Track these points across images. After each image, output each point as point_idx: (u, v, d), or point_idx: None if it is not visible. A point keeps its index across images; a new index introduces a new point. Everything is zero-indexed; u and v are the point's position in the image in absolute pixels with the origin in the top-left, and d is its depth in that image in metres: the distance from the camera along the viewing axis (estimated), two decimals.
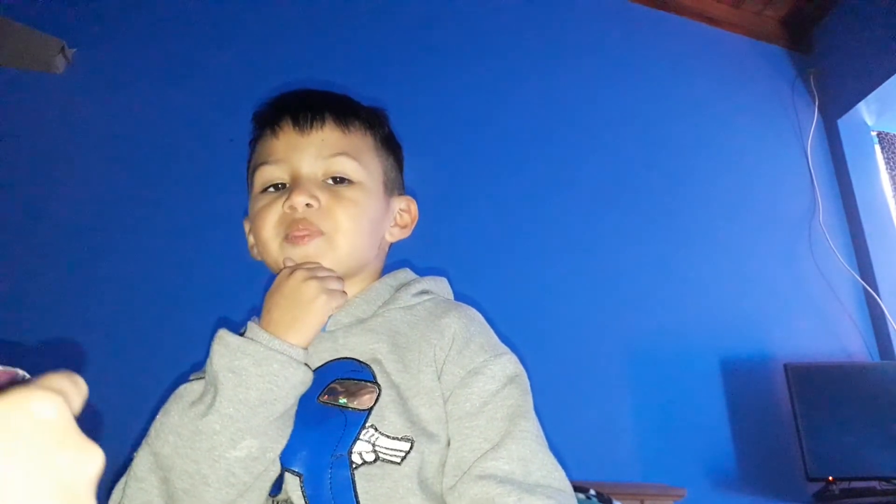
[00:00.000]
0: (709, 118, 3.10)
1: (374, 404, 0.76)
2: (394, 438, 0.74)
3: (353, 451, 0.73)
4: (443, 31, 2.80)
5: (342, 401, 0.78)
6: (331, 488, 0.72)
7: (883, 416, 2.36)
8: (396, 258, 1.01)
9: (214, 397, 0.72)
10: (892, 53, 2.96)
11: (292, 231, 0.83)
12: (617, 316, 2.48)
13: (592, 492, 1.64)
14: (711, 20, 3.38)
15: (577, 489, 1.70)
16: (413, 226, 1.00)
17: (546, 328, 2.33)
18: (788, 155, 3.16)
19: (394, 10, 2.74)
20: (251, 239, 0.93)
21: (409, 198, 1.00)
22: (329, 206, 0.84)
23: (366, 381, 0.79)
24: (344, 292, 0.84)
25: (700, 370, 2.50)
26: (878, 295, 2.81)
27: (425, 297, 0.90)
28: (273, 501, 0.75)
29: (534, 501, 0.69)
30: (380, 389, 0.78)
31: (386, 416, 0.75)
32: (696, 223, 2.81)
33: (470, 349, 0.82)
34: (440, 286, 0.96)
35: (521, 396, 0.80)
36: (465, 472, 0.73)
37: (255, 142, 0.95)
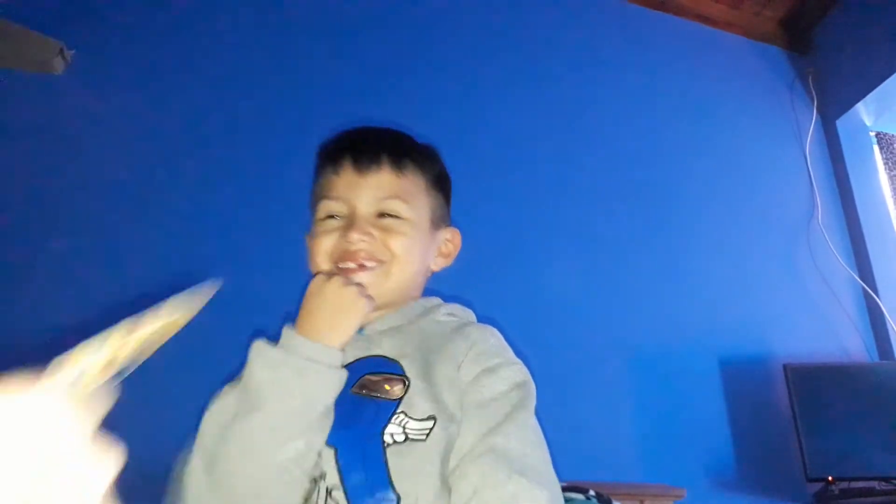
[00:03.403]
0: (707, 119, 3.11)
1: (405, 395, 0.84)
2: (420, 420, 0.81)
3: (385, 432, 0.80)
4: (440, 31, 2.80)
5: (374, 392, 0.85)
6: (363, 461, 0.79)
7: (882, 416, 2.36)
8: None
9: (259, 408, 0.78)
10: (891, 54, 2.96)
11: (344, 262, 0.94)
12: (616, 316, 2.48)
13: (592, 492, 1.64)
14: (710, 21, 3.38)
15: (576, 489, 1.70)
16: (455, 254, 1.11)
17: (546, 329, 2.33)
18: (787, 155, 3.17)
19: (392, 9, 2.74)
20: (310, 256, 1.03)
21: (453, 229, 1.10)
22: (382, 239, 0.95)
23: (395, 374, 0.86)
24: (370, 296, 0.92)
25: (699, 370, 2.50)
26: (876, 295, 2.81)
27: (453, 317, 1.01)
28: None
29: (523, 483, 0.74)
30: (409, 381, 0.85)
31: (415, 403, 0.82)
32: (695, 224, 2.81)
33: (486, 353, 0.90)
34: (466, 312, 1.06)
35: (525, 398, 0.87)
36: (465, 454, 0.79)
37: (318, 172, 1.04)
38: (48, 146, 2.17)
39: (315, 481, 0.80)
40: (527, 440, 0.81)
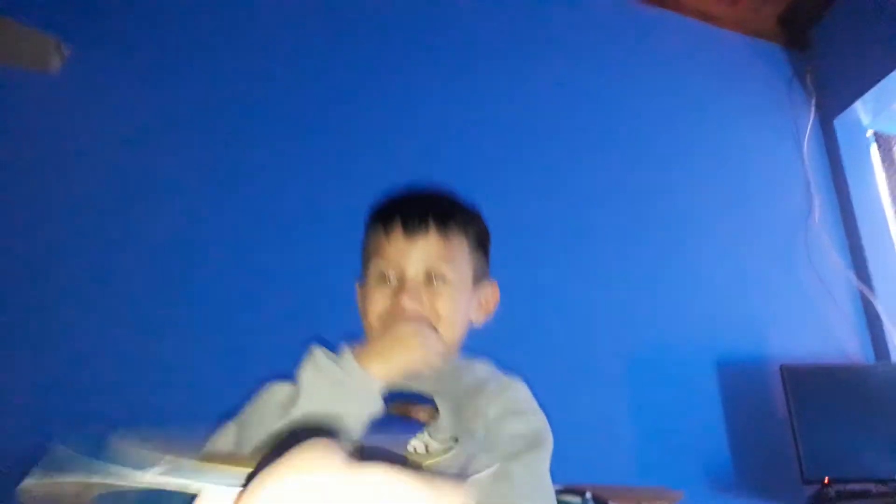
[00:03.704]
0: (705, 116, 3.10)
1: (433, 420, 0.90)
2: (443, 440, 0.87)
3: (411, 443, 0.86)
4: (439, 31, 2.79)
5: (404, 412, 0.92)
6: None
7: (879, 418, 2.37)
8: None
9: (296, 402, 0.83)
10: (889, 52, 2.96)
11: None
12: (613, 317, 2.48)
13: (589, 495, 1.64)
14: (708, 17, 3.37)
15: (573, 492, 1.70)
16: (495, 308, 1.17)
17: (542, 330, 2.33)
18: (784, 154, 3.17)
19: (391, 9, 2.72)
20: (361, 306, 1.11)
21: (493, 283, 1.17)
22: (430, 302, 1.03)
23: (427, 404, 0.94)
24: (442, 355, 0.96)
25: (696, 372, 2.50)
26: (873, 296, 2.82)
27: (486, 370, 1.08)
28: None
29: None
30: (438, 412, 0.92)
31: (441, 428, 0.89)
32: (692, 223, 2.80)
33: (515, 400, 0.99)
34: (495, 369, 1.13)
35: (541, 445, 0.94)
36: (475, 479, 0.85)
37: (370, 229, 1.12)
38: (44, 143, 2.15)
39: None
40: (532, 483, 0.87)
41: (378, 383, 0.85)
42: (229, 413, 0.90)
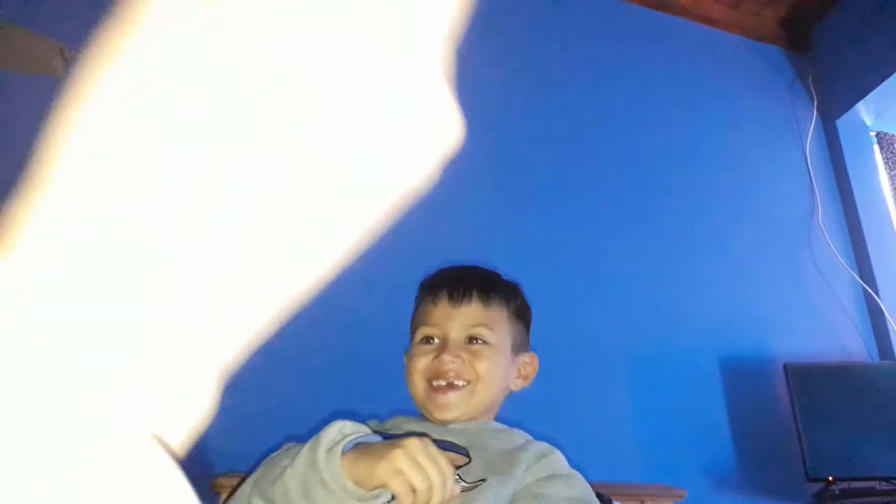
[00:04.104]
0: (707, 119, 3.11)
1: (464, 465, 0.96)
2: (473, 480, 0.94)
3: None
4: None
5: None
6: None
7: (883, 416, 2.36)
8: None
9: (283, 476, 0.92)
10: (891, 53, 2.96)
11: (436, 379, 1.11)
12: (616, 316, 2.48)
13: None
14: (710, 20, 3.38)
15: None
16: (533, 377, 1.25)
17: (545, 328, 2.31)
18: (787, 155, 3.17)
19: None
20: (406, 373, 1.19)
21: (532, 354, 1.26)
22: (469, 362, 1.12)
23: (461, 453, 0.99)
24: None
25: (699, 370, 2.50)
26: (877, 295, 2.81)
27: (524, 438, 1.13)
28: None
29: None
30: (471, 460, 0.98)
31: (471, 471, 0.95)
32: (695, 223, 2.81)
33: (558, 463, 1.04)
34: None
35: None
36: None
37: (419, 303, 1.24)
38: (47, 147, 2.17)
39: None
40: None
41: (357, 492, 0.86)
42: None
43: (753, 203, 2.95)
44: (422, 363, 1.14)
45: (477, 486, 0.92)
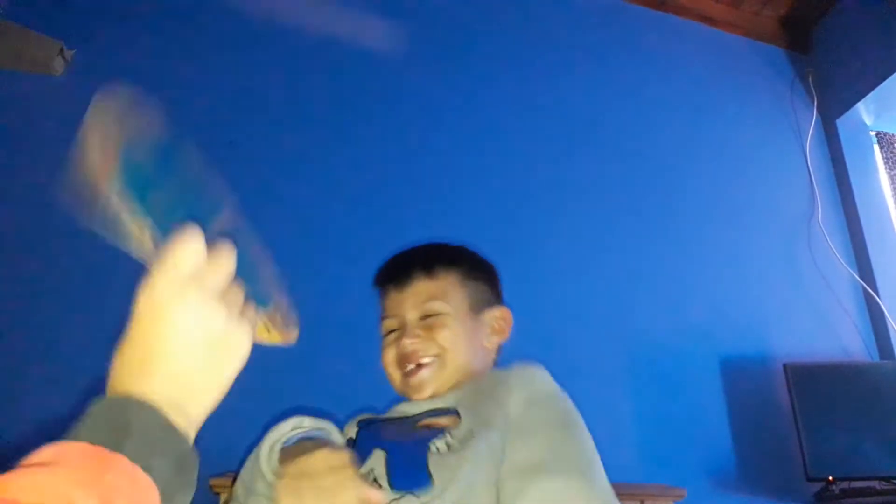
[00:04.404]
0: (707, 118, 3.11)
1: (455, 425, 0.97)
2: (462, 433, 0.94)
3: (433, 443, 0.93)
4: (437, 32, 2.80)
5: (431, 426, 1.01)
6: (411, 462, 0.91)
7: (882, 416, 2.36)
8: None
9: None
10: (891, 53, 2.96)
11: (405, 364, 1.12)
12: (616, 315, 2.48)
13: None
14: (710, 20, 3.38)
15: None
16: (509, 330, 1.25)
17: (546, 328, 2.33)
18: (787, 155, 3.17)
19: (388, 10, 2.74)
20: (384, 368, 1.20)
21: (502, 307, 1.25)
22: (429, 337, 1.12)
23: (450, 414, 1.02)
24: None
25: (700, 370, 2.50)
26: (877, 294, 2.81)
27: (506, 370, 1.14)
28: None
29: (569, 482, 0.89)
30: (461, 417, 0.98)
31: (462, 425, 0.96)
32: (695, 223, 2.81)
33: (532, 387, 1.03)
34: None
35: (573, 427, 1.03)
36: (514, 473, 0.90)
37: (378, 300, 1.25)
38: (47, 146, 2.17)
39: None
40: (578, 457, 0.95)
41: None
42: None
43: (753, 203, 2.95)
44: (389, 355, 1.15)
45: (467, 442, 0.91)
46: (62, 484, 0.40)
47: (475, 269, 1.26)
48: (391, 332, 1.18)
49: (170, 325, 0.51)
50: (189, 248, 0.52)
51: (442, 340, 1.12)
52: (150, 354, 0.51)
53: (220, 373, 0.54)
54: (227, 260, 0.55)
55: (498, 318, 1.23)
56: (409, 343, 1.13)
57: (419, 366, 1.11)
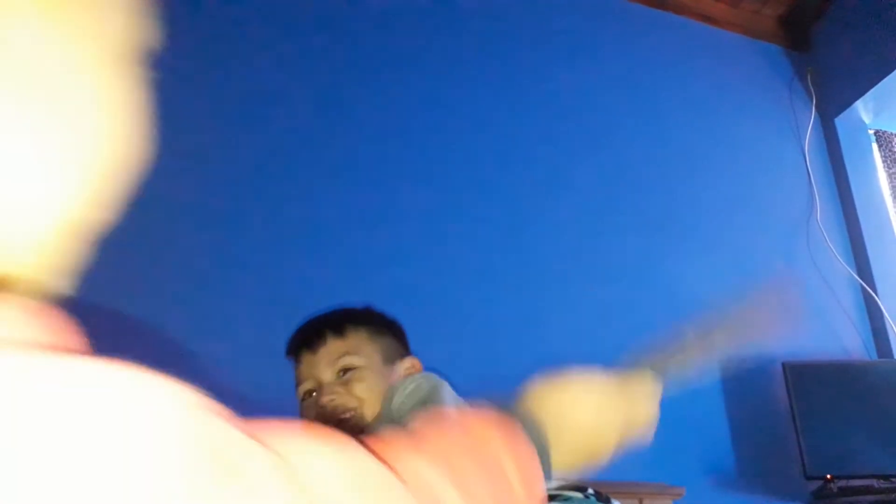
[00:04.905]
0: (706, 117, 3.10)
1: None
2: None
3: None
4: (437, 31, 2.80)
5: None
6: None
7: (881, 415, 2.37)
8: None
9: None
10: (890, 52, 2.97)
11: (327, 423, 1.11)
12: (614, 314, 2.48)
13: (591, 490, 1.64)
14: (709, 19, 3.38)
15: (575, 488, 1.70)
16: None
17: (543, 326, 2.33)
18: (786, 153, 3.17)
19: (388, 10, 2.73)
20: None
21: (412, 357, 1.28)
22: (347, 391, 1.15)
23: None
24: None
25: (698, 369, 2.49)
26: (875, 293, 2.81)
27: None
28: None
29: None
30: None
31: None
32: (694, 221, 2.81)
33: (413, 388, 1.08)
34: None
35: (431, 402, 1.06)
36: None
37: (293, 366, 1.27)
38: None
39: None
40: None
41: None
42: None
43: (752, 201, 2.95)
44: (310, 416, 1.18)
45: None
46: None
47: (382, 325, 1.29)
48: (308, 393, 1.20)
49: None
50: None
51: (360, 392, 1.15)
52: None
53: None
54: None
55: (409, 368, 1.26)
56: (328, 400, 1.15)
57: (341, 422, 1.13)
